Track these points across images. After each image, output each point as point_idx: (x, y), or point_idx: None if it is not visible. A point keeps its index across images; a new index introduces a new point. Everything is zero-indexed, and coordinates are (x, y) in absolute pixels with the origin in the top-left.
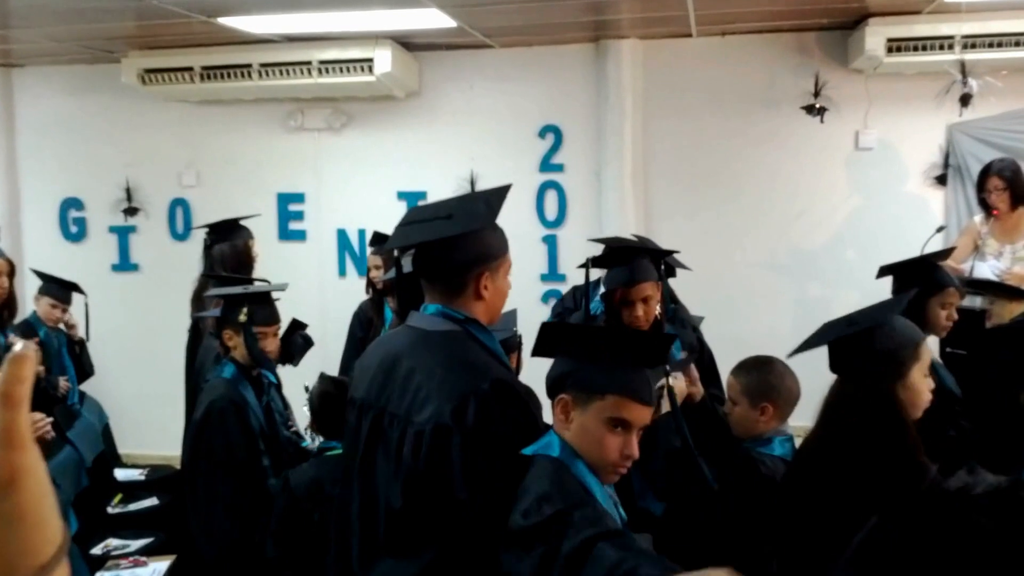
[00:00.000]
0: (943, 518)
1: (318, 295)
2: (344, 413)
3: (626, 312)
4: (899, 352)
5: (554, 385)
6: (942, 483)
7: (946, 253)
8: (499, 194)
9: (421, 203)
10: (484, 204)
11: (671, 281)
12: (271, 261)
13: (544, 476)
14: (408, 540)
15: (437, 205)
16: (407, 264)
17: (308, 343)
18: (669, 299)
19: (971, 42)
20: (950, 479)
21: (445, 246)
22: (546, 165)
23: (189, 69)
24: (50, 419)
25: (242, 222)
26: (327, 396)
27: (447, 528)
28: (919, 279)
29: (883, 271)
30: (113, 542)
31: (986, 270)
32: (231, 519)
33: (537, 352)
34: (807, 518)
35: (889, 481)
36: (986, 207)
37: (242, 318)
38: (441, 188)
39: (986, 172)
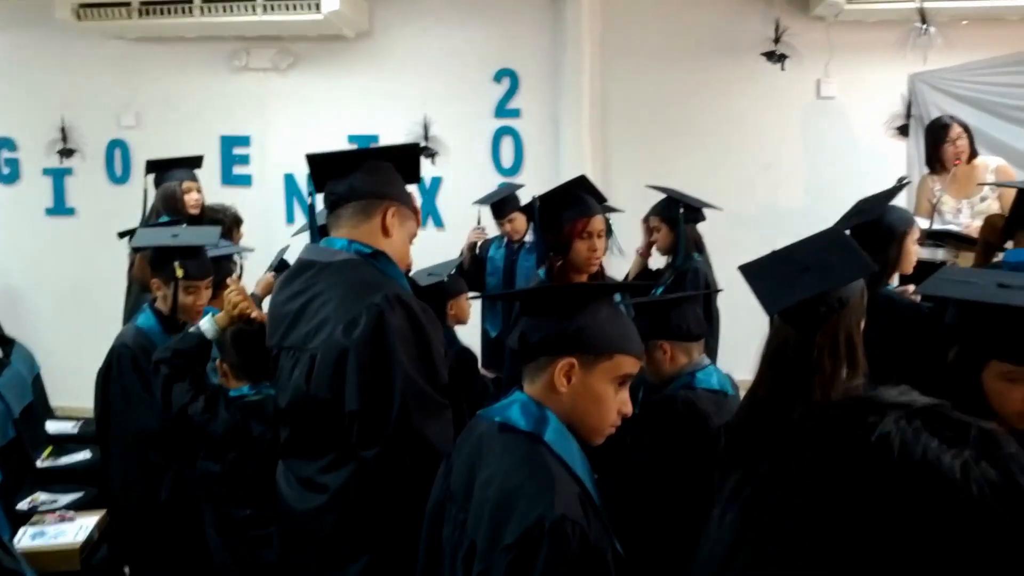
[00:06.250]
0: (851, 423)
1: (264, 242)
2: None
3: (584, 246)
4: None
5: (549, 346)
6: (867, 394)
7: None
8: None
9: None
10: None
11: None
12: None
13: (518, 464)
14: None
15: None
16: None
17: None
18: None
19: None
20: (878, 392)
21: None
22: (502, 111)
23: (127, 4)
24: None
25: (184, 164)
26: (241, 334)
27: (339, 439)
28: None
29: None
30: (41, 496)
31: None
32: (139, 467)
33: (526, 311)
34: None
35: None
36: (941, 163)
37: (178, 273)
38: (393, 132)
39: (945, 126)
